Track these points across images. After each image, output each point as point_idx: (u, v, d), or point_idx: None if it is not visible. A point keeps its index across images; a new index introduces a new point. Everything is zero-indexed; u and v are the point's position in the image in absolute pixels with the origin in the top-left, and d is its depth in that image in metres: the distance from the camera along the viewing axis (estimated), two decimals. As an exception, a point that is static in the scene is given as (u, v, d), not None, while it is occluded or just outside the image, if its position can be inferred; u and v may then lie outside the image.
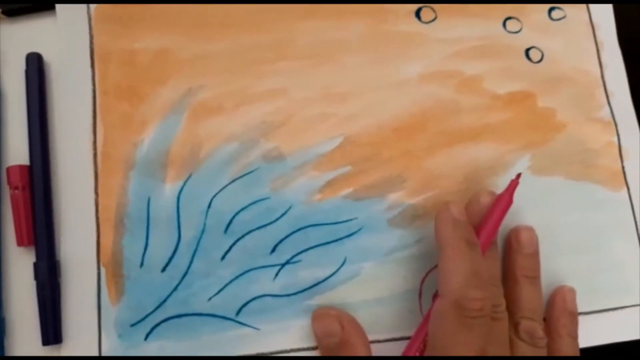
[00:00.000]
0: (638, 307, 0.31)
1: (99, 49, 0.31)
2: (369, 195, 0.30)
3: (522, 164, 0.32)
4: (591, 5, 0.34)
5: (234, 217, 0.30)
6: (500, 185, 0.31)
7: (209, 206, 0.30)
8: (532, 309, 0.28)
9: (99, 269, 0.29)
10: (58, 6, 0.31)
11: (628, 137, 0.33)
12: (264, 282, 0.29)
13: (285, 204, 0.30)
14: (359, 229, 0.30)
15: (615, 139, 0.33)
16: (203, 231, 0.29)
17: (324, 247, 0.30)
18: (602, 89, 0.34)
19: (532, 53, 0.33)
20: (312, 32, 0.32)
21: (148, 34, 0.31)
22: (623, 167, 0.33)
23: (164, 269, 0.29)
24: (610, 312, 0.31)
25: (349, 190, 0.30)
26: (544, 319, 0.29)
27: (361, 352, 0.27)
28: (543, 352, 0.27)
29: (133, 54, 0.31)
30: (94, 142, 0.30)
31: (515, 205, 0.29)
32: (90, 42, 0.31)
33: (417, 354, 0.26)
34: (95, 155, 0.30)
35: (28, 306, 0.28)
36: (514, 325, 0.28)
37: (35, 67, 0.30)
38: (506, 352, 0.26)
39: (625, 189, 0.32)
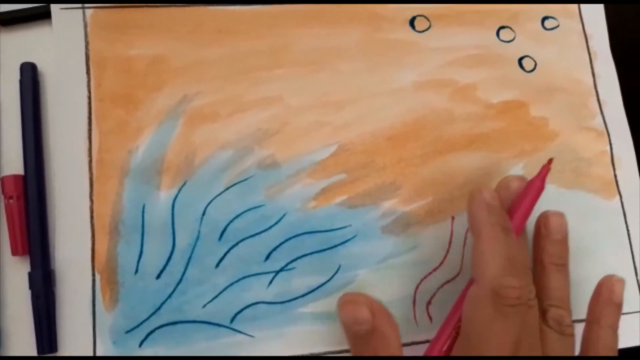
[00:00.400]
0: (631, 315, 0.32)
1: (95, 55, 0.31)
2: (363, 202, 0.31)
3: (515, 173, 0.32)
4: (584, 15, 0.35)
5: (228, 224, 0.30)
6: (493, 193, 0.31)
7: (204, 213, 0.30)
8: (560, 297, 0.27)
9: (93, 275, 0.29)
10: (54, 11, 0.31)
11: (620, 146, 0.34)
12: (258, 290, 0.29)
13: (279, 211, 0.30)
14: (353, 237, 0.30)
15: (608, 148, 0.33)
16: (197, 238, 0.29)
17: (319, 254, 0.30)
18: (594, 98, 0.34)
19: (525, 62, 0.34)
20: (307, 40, 0.32)
21: (144, 41, 0.31)
22: (615, 176, 0.33)
23: (158, 276, 0.29)
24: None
25: (343, 197, 0.31)
26: (587, 307, 0.29)
27: (393, 341, 0.25)
28: (571, 340, 0.27)
29: (129, 61, 0.31)
30: (89, 149, 0.30)
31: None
32: (86, 48, 0.31)
33: (449, 341, 0.26)
34: (90, 162, 0.30)
35: (23, 316, 0.28)
36: (542, 312, 0.27)
37: (30, 77, 0.30)
38: (538, 341, 0.26)
39: (618, 197, 0.33)
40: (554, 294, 0.27)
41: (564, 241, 0.28)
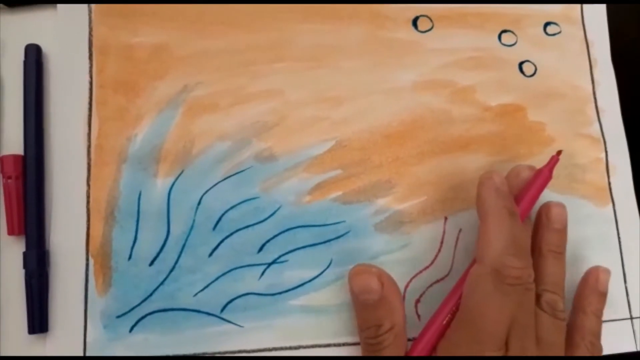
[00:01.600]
0: (621, 321, 0.32)
1: (98, 41, 0.31)
2: (357, 199, 0.31)
3: (509, 176, 0.32)
4: (586, 22, 0.35)
5: (223, 214, 0.30)
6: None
7: (199, 203, 0.30)
8: (555, 283, 0.29)
9: (87, 260, 0.29)
10: (60, -3, 0.31)
11: (616, 154, 0.34)
12: (250, 281, 0.30)
13: (274, 204, 0.30)
14: (346, 232, 0.31)
15: (603, 155, 0.33)
16: (192, 227, 0.30)
17: (311, 248, 0.30)
18: (593, 105, 0.34)
19: (525, 67, 0.34)
20: (310, 35, 0.32)
21: (147, 29, 0.31)
22: (609, 183, 0.33)
23: (151, 263, 0.29)
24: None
25: (338, 193, 0.31)
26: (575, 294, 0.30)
27: (398, 312, 0.27)
28: (563, 324, 0.28)
29: (131, 48, 0.31)
30: (89, 134, 0.30)
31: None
32: (89, 34, 0.31)
33: (450, 315, 0.27)
34: (89, 147, 0.30)
35: (16, 294, 0.28)
36: (537, 296, 0.28)
37: (34, 58, 0.30)
38: (532, 322, 0.27)
39: (611, 204, 0.33)
40: (549, 280, 0.28)
41: (563, 231, 0.29)
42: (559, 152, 0.29)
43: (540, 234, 0.29)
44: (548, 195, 0.32)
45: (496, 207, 0.27)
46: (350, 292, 0.28)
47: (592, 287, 0.30)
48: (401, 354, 0.27)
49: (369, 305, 0.27)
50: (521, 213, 0.28)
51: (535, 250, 0.29)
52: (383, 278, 0.27)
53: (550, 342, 0.27)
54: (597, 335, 0.29)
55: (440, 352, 0.27)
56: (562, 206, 0.29)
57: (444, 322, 0.27)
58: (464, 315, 0.26)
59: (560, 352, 0.28)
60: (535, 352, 0.27)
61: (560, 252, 0.29)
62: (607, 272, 0.30)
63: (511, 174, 0.29)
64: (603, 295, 0.30)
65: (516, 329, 0.26)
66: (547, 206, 0.29)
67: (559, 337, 0.28)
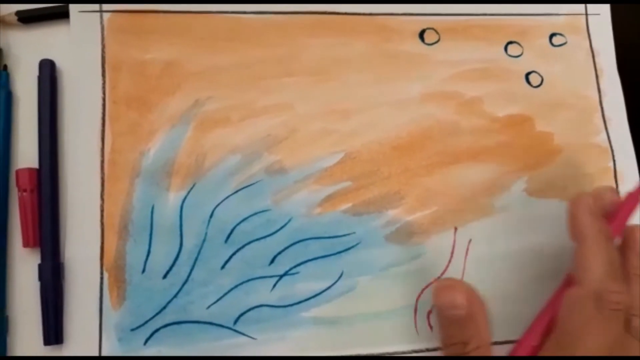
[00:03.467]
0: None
1: (111, 58, 0.31)
2: (367, 210, 0.31)
3: (518, 186, 0.32)
4: (592, 33, 0.35)
5: (235, 227, 0.30)
6: (496, 205, 0.32)
7: (211, 216, 0.30)
8: None
9: (102, 273, 0.29)
10: (72, 14, 0.31)
11: (624, 163, 0.34)
12: (262, 293, 0.30)
13: (285, 216, 0.31)
14: (357, 244, 0.31)
15: (611, 164, 0.34)
16: (204, 240, 0.30)
17: (322, 260, 0.30)
18: (600, 114, 0.34)
19: (532, 77, 0.34)
20: (318, 49, 0.33)
21: (159, 46, 0.32)
22: (618, 192, 0.33)
23: (165, 276, 0.30)
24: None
25: (348, 205, 0.31)
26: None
27: (485, 332, 0.26)
28: None
29: (143, 65, 0.31)
30: (102, 149, 0.30)
31: (510, 225, 0.30)
32: (102, 51, 0.31)
33: (540, 338, 0.26)
34: (102, 162, 0.30)
35: (31, 306, 0.29)
36: (625, 321, 0.27)
37: (48, 73, 0.30)
38: (626, 347, 0.26)
39: (620, 214, 0.33)
40: (636, 304, 0.27)
41: None
42: None
43: (627, 256, 0.28)
44: (557, 205, 0.32)
45: (593, 230, 0.26)
46: (434, 306, 0.27)
47: None
48: None
49: (454, 321, 0.26)
50: (612, 236, 0.27)
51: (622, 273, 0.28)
52: (470, 294, 0.26)
53: None
54: None
55: None
56: None
57: (534, 343, 0.26)
58: (561, 338, 0.25)
59: None
60: None
61: None
62: None
63: (594, 194, 0.28)
64: None
65: (613, 354, 0.25)
66: (632, 229, 0.28)
67: None
